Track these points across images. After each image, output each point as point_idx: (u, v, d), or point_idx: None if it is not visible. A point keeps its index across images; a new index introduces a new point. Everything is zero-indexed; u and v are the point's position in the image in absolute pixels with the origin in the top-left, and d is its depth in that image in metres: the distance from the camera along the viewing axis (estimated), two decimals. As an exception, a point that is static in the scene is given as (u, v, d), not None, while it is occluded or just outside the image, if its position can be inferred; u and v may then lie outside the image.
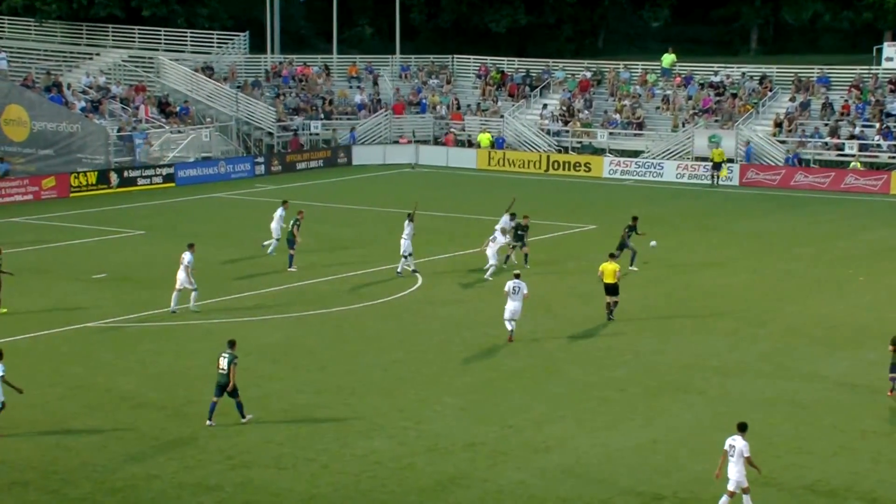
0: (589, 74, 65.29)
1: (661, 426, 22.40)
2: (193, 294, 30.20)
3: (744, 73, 62.12)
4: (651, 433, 22.01)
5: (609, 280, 29.94)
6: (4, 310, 29.92)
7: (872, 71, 59.54)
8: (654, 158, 57.72)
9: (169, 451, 21.01)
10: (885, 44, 61.40)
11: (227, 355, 22.19)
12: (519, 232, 35.71)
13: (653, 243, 35.16)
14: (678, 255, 38.06)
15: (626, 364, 26.38)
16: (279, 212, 37.24)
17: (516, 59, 69.80)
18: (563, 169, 59.04)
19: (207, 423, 22.20)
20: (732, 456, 18.39)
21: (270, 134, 60.79)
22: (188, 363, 26.15)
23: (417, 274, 34.11)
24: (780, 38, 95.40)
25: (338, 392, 24.27)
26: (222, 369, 22.20)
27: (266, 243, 37.09)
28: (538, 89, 65.12)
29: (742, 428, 18.55)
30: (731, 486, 18.42)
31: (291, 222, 35.59)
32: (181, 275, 30.10)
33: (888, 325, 27.88)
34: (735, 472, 18.33)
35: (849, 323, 29.69)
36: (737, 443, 18.42)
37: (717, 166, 54.71)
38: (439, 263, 36.80)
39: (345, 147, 61.81)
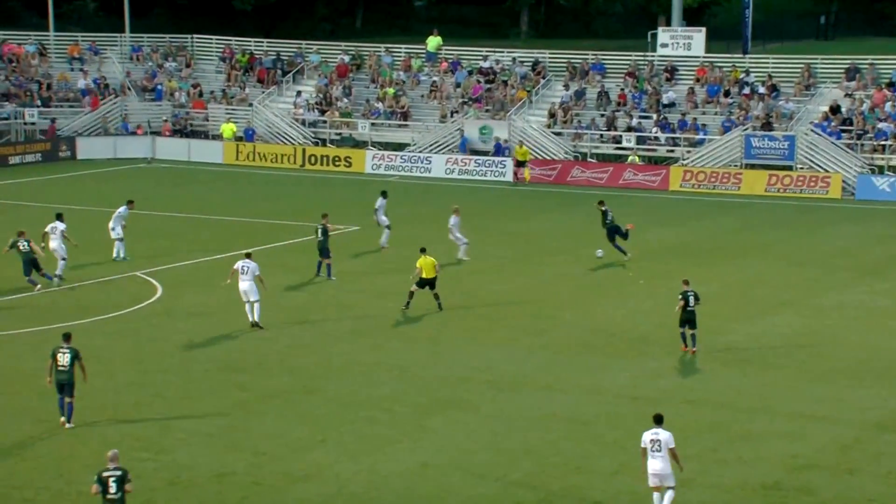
0: (347, 58, 65.63)
1: (432, 448, 22.74)
2: None
3: (514, 59, 63.84)
4: (421, 456, 22.31)
5: (429, 275, 31.70)
6: None
7: (647, 57, 62.35)
8: (420, 152, 58.57)
9: None
10: (660, 29, 64.38)
11: (67, 350, 22.95)
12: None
13: (599, 252, 37.28)
14: (446, 259, 38.72)
15: (392, 380, 26.65)
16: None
17: (265, 40, 69.43)
18: (322, 164, 59.10)
19: (67, 425, 22.89)
20: (658, 451, 19.19)
21: (-24, 123, 58.23)
22: None
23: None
24: (552, 20, 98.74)
25: (57, 429, 23.44)
26: (63, 366, 22.88)
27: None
28: (291, 74, 64.97)
29: (660, 420, 19.45)
30: (653, 482, 19.25)
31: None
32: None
33: (670, 332, 29.23)
34: (660, 467, 19.18)
35: (629, 330, 30.96)
36: (661, 435, 19.24)
37: (520, 164, 55.82)
38: (180, 271, 36.16)
39: (67, 139, 59.88)
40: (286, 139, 60.91)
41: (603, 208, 39.13)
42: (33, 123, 60.29)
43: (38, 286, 33.30)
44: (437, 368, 27.54)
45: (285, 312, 31.92)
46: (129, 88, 63.61)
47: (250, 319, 30.13)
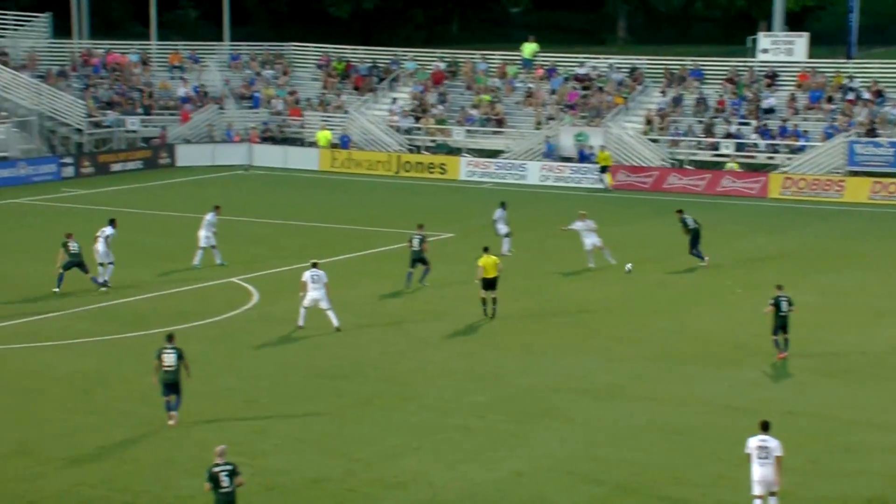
0: (443, 65, 65.80)
1: (526, 457, 22.67)
2: None
3: (611, 65, 63.49)
4: (515, 464, 22.25)
5: (491, 274, 31.47)
6: None
7: (748, 63, 61.60)
8: (515, 159, 58.51)
9: (-39, 500, 20.28)
10: (761, 34, 63.55)
11: (172, 350, 23.68)
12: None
13: (628, 267, 36.89)
14: (543, 266, 38.61)
15: (486, 388, 26.61)
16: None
17: (361, 47, 69.90)
18: (416, 170, 59.34)
19: (172, 421, 23.49)
20: (766, 458, 19.13)
21: (79, 131, 59.39)
22: (-17, 397, 25.32)
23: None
24: (650, 26, 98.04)
25: (159, 425, 23.83)
26: (168, 366, 23.59)
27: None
28: (386, 82, 65.32)
29: (767, 427, 19.40)
30: (759, 490, 19.14)
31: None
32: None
33: (768, 342, 28.81)
34: (767, 474, 19.08)
35: (726, 339, 30.58)
36: (769, 443, 19.20)
37: (603, 169, 55.69)
38: (277, 277, 36.52)
39: (167, 147, 60.86)
40: (381, 146, 61.24)
41: (682, 216, 38.69)
42: (135, 131, 61.37)
43: (56, 290, 33.70)
44: (531, 377, 27.45)
45: (380, 319, 32.07)
46: (227, 96, 64.47)
47: (335, 324, 30.24)
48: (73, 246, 34.08)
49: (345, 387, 26.58)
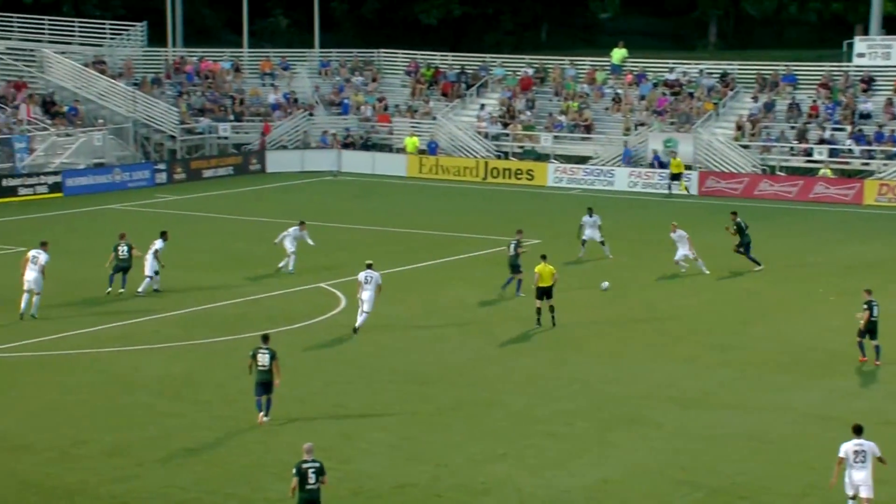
0: (531, 71, 65.70)
1: (614, 464, 22.48)
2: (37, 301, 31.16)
3: (702, 70, 62.91)
4: (602, 472, 22.08)
5: (546, 283, 31.11)
6: None
7: (842, 68, 60.60)
8: (603, 165, 58.18)
9: (54, 500, 20.61)
10: (856, 38, 62.54)
11: (266, 351, 24.05)
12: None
13: (605, 284, 35.71)
14: (631, 273, 38.33)
15: (574, 394, 26.45)
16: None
17: (450, 53, 70.05)
18: (503, 177, 59.28)
19: (263, 419, 23.93)
20: (862, 461, 19.00)
21: (172, 138, 60.26)
22: (75, 398, 25.75)
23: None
24: (742, 31, 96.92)
25: (250, 429, 24.03)
26: (263, 366, 23.97)
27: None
28: (475, 88, 65.37)
29: (860, 430, 19.34)
30: (865, 493, 19.01)
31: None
32: (32, 275, 31.36)
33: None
34: (863, 477, 18.97)
35: (819, 348, 30.08)
36: (865, 446, 19.10)
37: (675, 177, 55.35)
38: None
39: (257, 153, 61.49)
40: (468, 152, 61.28)
41: (738, 220, 38.28)
42: (226, 138, 62.10)
43: (118, 291, 34.13)
44: (619, 384, 27.23)
45: (468, 325, 32.05)
46: (316, 102, 65.01)
47: (357, 324, 30.62)
48: (123, 250, 34.34)
49: (431, 392, 26.59)
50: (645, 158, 57.90)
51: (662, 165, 56.60)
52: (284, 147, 62.29)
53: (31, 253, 32.20)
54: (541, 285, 31.36)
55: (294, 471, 18.71)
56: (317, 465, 18.67)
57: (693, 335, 31.32)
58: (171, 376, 27.48)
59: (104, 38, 64.78)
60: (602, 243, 40.13)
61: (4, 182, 50.71)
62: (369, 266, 31.04)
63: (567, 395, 26.35)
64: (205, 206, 50.64)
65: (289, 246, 37.73)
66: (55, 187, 52.35)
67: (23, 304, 31.75)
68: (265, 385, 24.20)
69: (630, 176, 57.12)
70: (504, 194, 55.86)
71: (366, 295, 30.52)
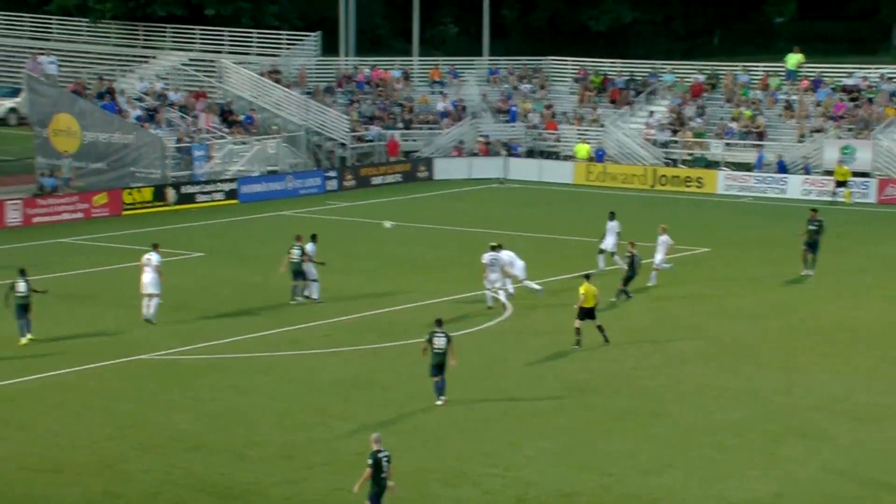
0: (702, 78, 64.77)
1: (785, 478, 21.99)
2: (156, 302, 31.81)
3: (882, 75, 61.12)
4: (773, 486, 21.62)
5: (590, 303, 30.33)
6: (29, 337, 30.34)
7: None
8: (775, 172, 57.00)
9: (228, 500, 21.15)
10: None
11: (441, 334, 25.50)
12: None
13: (388, 224, 36.05)
14: (803, 282, 37.44)
15: (743, 405, 25.97)
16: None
17: (619, 60, 69.55)
18: (672, 184, 58.59)
19: (438, 401, 25.43)
20: None
21: (343, 145, 61.28)
22: (249, 400, 26.38)
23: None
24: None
25: (416, 433, 24.27)
26: (439, 348, 25.38)
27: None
28: (643, 95, 64.79)
29: None
30: None
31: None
32: (147, 278, 31.86)
33: None
34: None
35: None
36: None
37: (840, 184, 53.89)
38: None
39: (425, 160, 62.09)
40: (637, 160, 60.74)
41: (818, 218, 37.63)
42: (397, 145, 62.80)
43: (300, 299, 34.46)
44: (790, 395, 26.63)
45: (633, 333, 31.76)
46: (484, 110, 65.30)
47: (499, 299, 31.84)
48: (295, 253, 34.72)
49: (595, 401, 26.43)
50: (820, 166, 56.52)
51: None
52: (460, 153, 62.68)
53: (145, 256, 32.59)
54: (585, 306, 30.29)
55: (370, 460, 19.15)
56: (388, 453, 19.40)
57: (866, 347, 30.43)
58: (341, 380, 27.93)
59: (280, 48, 66.27)
60: (613, 254, 38.39)
61: (183, 189, 52.26)
62: (494, 248, 32.22)
63: (736, 406, 25.88)
64: (373, 213, 51.33)
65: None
66: (231, 194, 53.73)
67: (143, 309, 32.19)
68: (440, 367, 25.53)
69: (804, 184, 55.81)
70: (673, 202, 55.19)
71: (493, 276, 31.88)
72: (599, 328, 30.52)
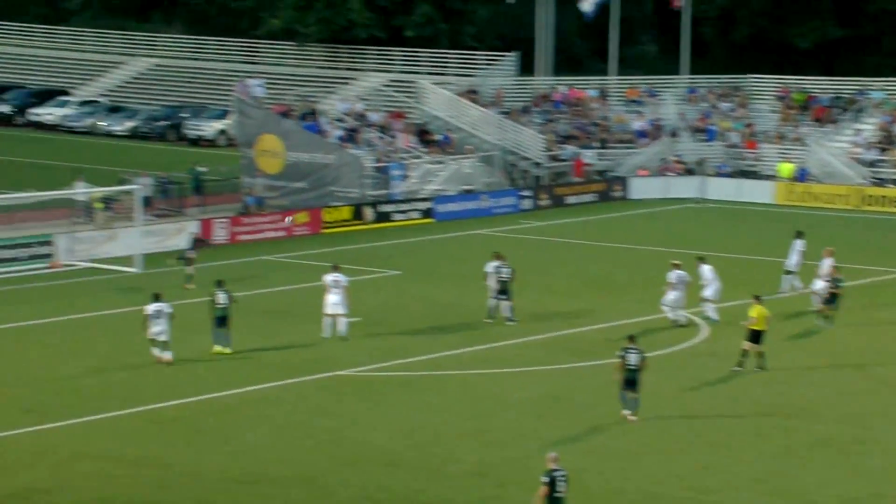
0: (913, 94, 62.63)
1: None
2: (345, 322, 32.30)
3: None
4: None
5: (760, 326, 29.43)
6: (227, 351, 31.32)
7: None
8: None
9: (422, 514, 21.43)
10: None
11: (634, 350, 26.01)
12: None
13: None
14: None
15: (953, 436, 24.96)
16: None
17: (823, 78, 67.80)
18: (880, 205, 56.75)
19: (624, 413, 25.80)
20: None
21: (538, 164, 61.44)
22: (443, 417, 26.66)
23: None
24: None
25: (608, 454, 24.13)
26: (632, 365, 25.90)
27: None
28: (850, 112, 62.97)
29: None
30: None
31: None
32: (334, 299, 32.30)
33: None
34: None
35: None
36: None
37: None
38: (725, 312, 35.99)
39: (621, 179, 61.72)
40: (841, 179, 59.05)
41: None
42: (591, 164, 62.65)
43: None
44: None
45: (834, 357, 30.87)
46: (681, 129, 64.55)
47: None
48: (505, 272, 34.83)
49: (796, 425, 25.79)
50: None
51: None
52: (648, 175, 62.17)
53: (330, 277, 32.92)
54: (754, 328, 29.42)
55: (546, 478, 19.13)
56: (566, 472, 19.33)
57: None
58: (534, 399, 27.98)
59: (477, 68, 66.93)
60: (790, 272, 37.42)
61: (381, 208, 53.22)
62: (677, 265, 33.73)
63: (945, 436, 24.87)
64: (568, 232, 51.25)
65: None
66: (427, 213, 54.43)
67: (325, 329, 32.59)
68: (633, 383, 25.79)
69: None
70: (880, 223, 53.43)
71: (674, 295, 33.31)
72: (760, 354, 29.71)
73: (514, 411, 27.08)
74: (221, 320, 31.18)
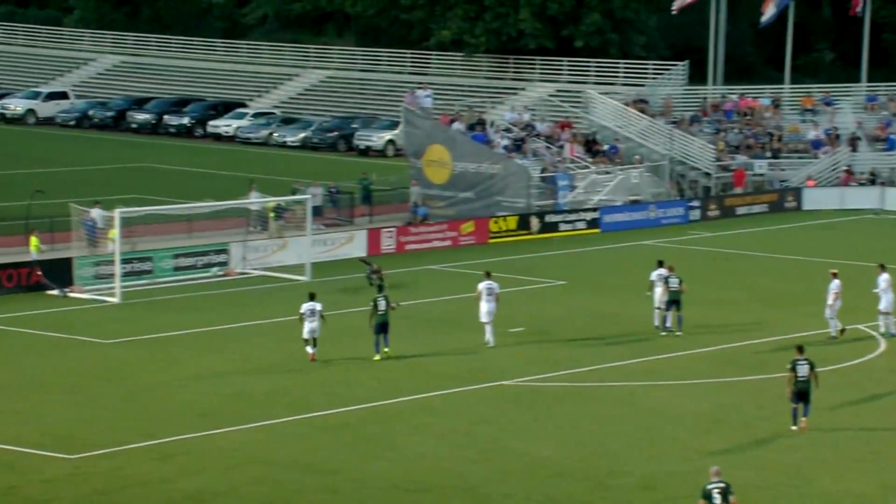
0: None
1: None
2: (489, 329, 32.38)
3: None
4: None
5: None
6: (385, 351, 31.68)
7: None
8: None
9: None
10: None
11: (804, 361, 25.63)
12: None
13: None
14: None
15: None
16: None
17: None
18: None
19: (794, 427, 25.51)
20: None
21: (707, 175, 60.52)
22: (610, 430, 26.45)
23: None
24: None
25: (781, 471, 23.60)
26: (802, 377, 25.49)
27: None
28: None
29: None
30: None
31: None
32: (490, 306, 32.53)
33: None
34: None
35: None
36: None
37: None
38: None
39: (794, 190, 60.33)
40: None
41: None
42: (762, 175, 61.44)
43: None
44: None
45: None
46: (859, 138, 62.79)
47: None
48: (674, 282, 34.35)
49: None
50: None
51: None
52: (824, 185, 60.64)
53: (484, 285, 33.04)
54: None
55: (701, 493, 19.08)
56: (722, 485, 19.03)
57: None
58: (700, 413, 27.56)
59: (646, 77, 66.36)
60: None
61: (547, 218, 53.17)
62: (835, 274, 33.15)
63: None
64: (737, 244, 50.32)
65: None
66: (592, 223, 54.14)
67: (488, 335, 32.75)
68: (803, 394, 25.41)
69: None
70: None
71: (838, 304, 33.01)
72: None
73: (680, 424, 26.70)
74: (382, 327, 31.63)
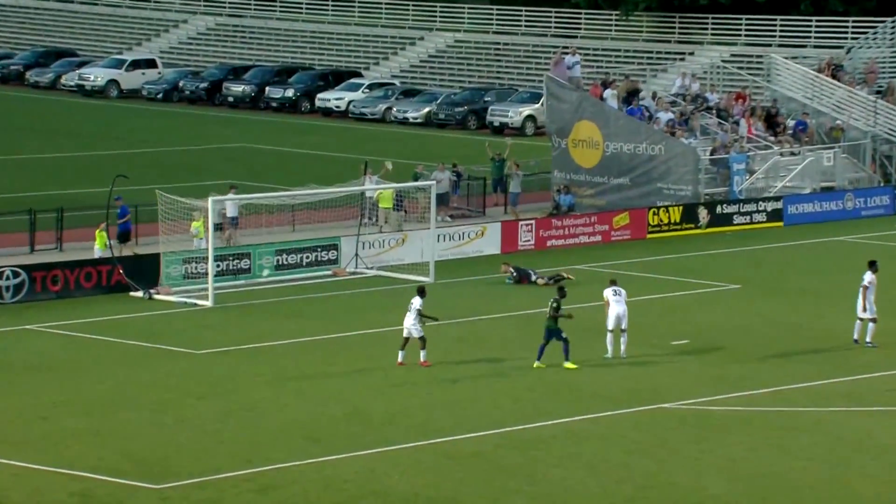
0: None
1: None
2: None
3: None
4: None
5: None
6: (572, 365, 32.22)
7: None
8: None
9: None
10: None
11: None
12: None
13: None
14: None
15: None
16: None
17: None
18: None
19: None
20: None
21: (920, 156, 59.47)
22: (791, 463, 26.34)
23: None
24: None
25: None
26: None
27: None
28: None
29: None
30: None
31: None
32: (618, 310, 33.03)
33: None
34: None
35: None
36: None
37: None
38: None
39: None
40: None
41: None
42: None
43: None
44: None
45: None
46: None
47: None
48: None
49: None
50: None
51: None
52: None
53: (610, 290, 33.40)
54: None
55: None
56: None
57: None
58: (905, 445, 27.26)
59: (845, 38, 65.38)
60: None
61: (719, 209, 52.71)
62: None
63: None
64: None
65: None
66: (774, 215, 53.58)
67: (610, 347, 33.10)
68: None
69: None
70: None
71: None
72: None
73: (880, 460, 26.41)
74: (550, 332, 32.24)
